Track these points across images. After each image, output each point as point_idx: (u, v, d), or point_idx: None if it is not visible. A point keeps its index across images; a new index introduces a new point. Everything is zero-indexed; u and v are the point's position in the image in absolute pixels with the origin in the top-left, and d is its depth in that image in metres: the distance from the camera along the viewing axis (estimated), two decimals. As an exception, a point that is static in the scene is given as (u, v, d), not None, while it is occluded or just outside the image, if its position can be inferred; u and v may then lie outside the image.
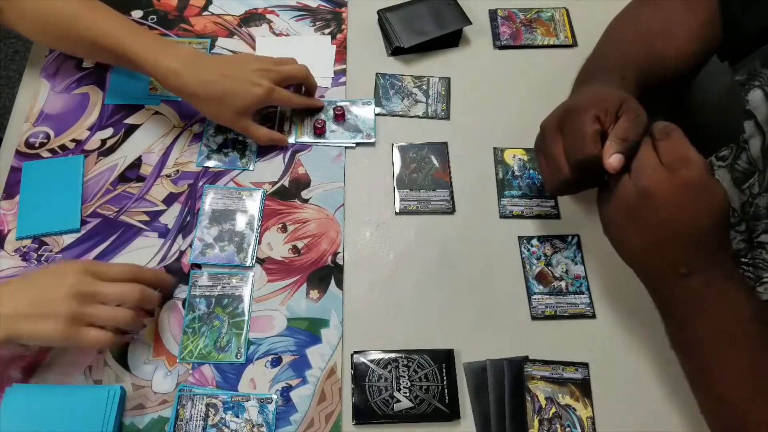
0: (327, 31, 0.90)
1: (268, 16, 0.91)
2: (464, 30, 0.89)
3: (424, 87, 0.86)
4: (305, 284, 0.71)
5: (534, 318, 0.70)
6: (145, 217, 0.74)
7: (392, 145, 0.81)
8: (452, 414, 0.64)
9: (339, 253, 0.73)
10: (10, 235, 0.72)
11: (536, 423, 0.64)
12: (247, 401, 0.64)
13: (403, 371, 0.66)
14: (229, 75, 0.73)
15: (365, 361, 0.66)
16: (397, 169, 0.79)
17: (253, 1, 0.92)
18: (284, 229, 0.74)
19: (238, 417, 0.63)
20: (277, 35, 0.89)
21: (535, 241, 0.74)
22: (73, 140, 0.79)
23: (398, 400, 0.64)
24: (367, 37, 0.90)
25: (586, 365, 0.67)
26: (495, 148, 0.81)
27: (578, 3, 0.93)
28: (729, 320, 0.55)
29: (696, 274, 0.55)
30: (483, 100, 0.85)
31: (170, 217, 0.74)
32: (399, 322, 0.69)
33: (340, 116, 0.81)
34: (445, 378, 0.65)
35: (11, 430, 0.59)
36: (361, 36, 0.90)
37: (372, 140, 0.81)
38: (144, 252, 0.72)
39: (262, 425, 0.62)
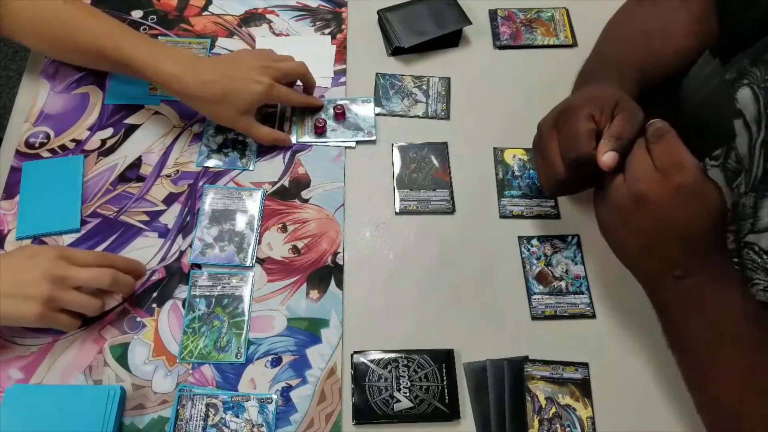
0: (327, 31, 0.90)
1: (268, 16, 0.91)
2: (464, 30, 0.89)
3: (424, 87, 0.86)
4: (305, 284, 0.71)
5: (534, 318, 0.70)
6: (145, 217, 0.74)
7: (392, 145, 0.81)
8: (452, 414, 0.64)
9: (339, 253, 0.73)
10: (10, 235, 0.72)
11: (536, 423, 0.64)
12: (247, 401, 0.64)
13: (403, 371, 0.66)
14: (228, 75, 0.73)
15: (365, 361, 0.66)
16: (397, 169, 0.79)
17: (253, 1, 0.92)
18: (284, 229, 0.74)
19: (238, 417, 0.63)
20: (277, 35, 0.89)
21: (535, 241, 0.74)
22: (73, 140, 0.79)
23: (398, 400, 0.64)
24: (367, 37, 0.90)
25: (586, 365, 0.67)
26: (495, 148, 0.81)
27: (578, 3, 0.93)
28: (725, 321, 0.55)
29: (692, 276, 0.55)
30: (483, 100, 0.85)
31: (170, 217, 0.74)
32: (399, 322, 0.69)
33: (340, 115, 0.81)
34: (445, 378, 0.65)
35: (11, 430, 0.59)
36: (361, 36, 0.90)
37: (373, 138, 0.81)
38: (144, 252, 0.72)
39: (262, 425, 0.62)
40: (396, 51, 0.87)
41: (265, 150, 0.79)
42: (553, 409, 0.64)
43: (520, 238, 0.74)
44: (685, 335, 0.57)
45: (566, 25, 0.91)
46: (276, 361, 0.66)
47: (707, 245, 0.55)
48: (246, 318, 0.68)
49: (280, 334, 0.68)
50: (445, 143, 0.81)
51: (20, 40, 0.76)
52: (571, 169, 0.61)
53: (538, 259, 0.73)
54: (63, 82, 0.83)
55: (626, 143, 0.57)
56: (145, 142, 0.79)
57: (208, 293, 0.69)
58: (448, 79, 0.86)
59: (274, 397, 0.64)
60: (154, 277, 0.70)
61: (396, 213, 0.76)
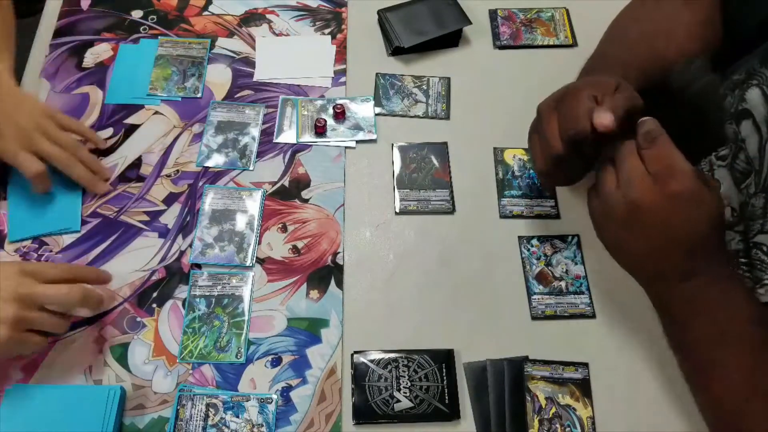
0: (327, 31, 0.90)
1: (268, 16, 0.91)
2: (464, 30, 0.89)
3: (424, 87, 0.86)
4: (305, 284, 0.71)
5: (534, 318, 0.70)
6: (145, 217, 0.74)
7: (392, 145, 0.81)
8: (452, 414, 0.64)
9: (339, 253, 0.73)
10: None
11: (536, 423, 0.64)
12: (247, 401, 0.64)
13: (403, 371, 0.66)
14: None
15: (365, 361, 0.66)
16: (397, 169, 0.79)
17: (253, 1, 0.92)
18: (284, 229, 0.74)
19: (238, 417, 0.63)
20: (277, 35, 0.89)
21: (535, 241, 0.74)
22: (73, 140, 0.79)
23: (398, 400, 0.64)
24: (367, 37, 0.90)
25: (586, 365, 0.67)
26: (495, 148, 0.81)
27: (578, 3, 0.93)
28: (727, 322, 0.55)
29: (693, 278, 0.55)
30: (483, 100, 0.85)
31: (170, 217, 0.74)
32: (399, 322, 0.69)
33: (340, 114, 0.81)
34: (445, 378, 0.65)
35: (11, 430, 0.59)
36: (361, 36, 0.90)
37: (374, 137, 0.81)
38: (144, 252, 0.72)
39: (262, 425, 0.62)
40: (396, 51, 0.87)
41: (265, 150, 0.79)
42: (553, 409, 0.64)
43: (520, 238, 0.74)
44: (687, 336, 0.57)
45: (566, 25, 0.91)
46: (276, 361, 0.66)
47: (708, 248, 0.55)
48: (246, 318, 0.68)
49: (280, 334, 0.68)
50: (445, 143, 0.81)
51: None
52: (567, 146, 0.60)
53: (538, 259, 0.73)
54: (63, 82, 0.83)
55: (623, 113, 0.56)
56: (145, 142, 0.79)
57: (208, 293, 0.69)
58: (448, 79, 0.86)
59: (274, 397, 0.64)
60: (154, 277, 0.70)
61: (396, 213, 0.76)
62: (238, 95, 0.84)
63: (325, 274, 0.71)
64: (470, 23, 0.88)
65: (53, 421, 0.60)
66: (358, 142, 0.81)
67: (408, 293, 0.71)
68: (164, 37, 0.88)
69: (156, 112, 0.82)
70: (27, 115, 0.70)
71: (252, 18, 0.91)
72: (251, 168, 0.78)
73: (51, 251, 0.71)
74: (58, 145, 0.71)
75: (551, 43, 0.90)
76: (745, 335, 0.54)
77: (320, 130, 0.80)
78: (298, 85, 0.85)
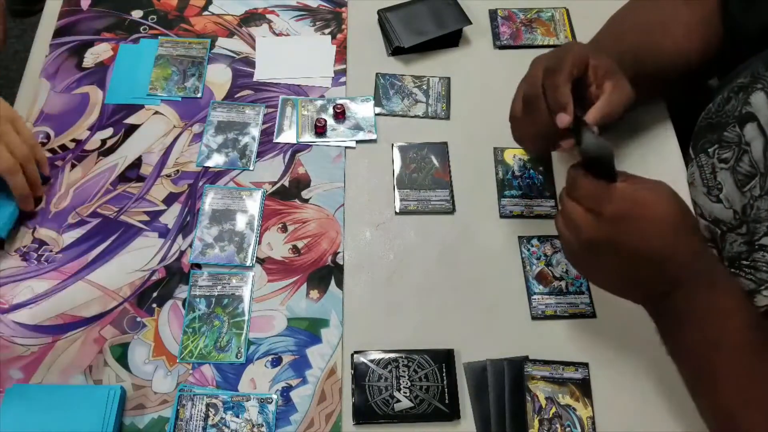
0: (327, 31, 0.90)
1: (268, 16, 0.91)
2: (464, 30, 0.89)
3: (424, 87, 0.86)
4: (305, 284, 0.71)
5: (534, 318, 0.70)
6: (145, 217, 0.74)
7: (392, 145, 0.81)
8: (452, 414, 0.64)
9: (339, 253, 0.73)
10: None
11: (536, 423, 0.64)
12: (247, 401, 0.64)
13: (403, 371, 0.66)
14: None
15: (365, 361, 0.66)
16: (397, 169, 0.79)
17: (253, 1, 0.92)
18: (284, 229, 0.74)
19: (238, 417, 0.63)
20: (277, 35, 0.89)
21: (535, 241, 0.74)
22: (73, 140, 0.79)
23: (398, 400, 0.64)
24: (367, 37, 0.90)
25: (586, 365, 0.67)
26: (495, 148, 0.81)
27: (578, 3, 0.93)
28: (717, 330, 0.55)
29: (676, 289, 0.55)
30: (483, 100, 0.85)
31: (170, 217, 0.74)
32: (399, 322, 0.69)
33: (340, 114, 0.81)
34: (445, 378, 0.65)
35: (11, 430, 0.59)
36: (361, 36, 0.90)
37: (374, 137, 0.81)
38: (144, 252, 0.72)
39: (262, 425, 0.62)
40: (396, 51, 0.87)
41: (265, 150, 0.79)
42: (553, 409, 0.64)
43: (520, 238, 0.74)
44: (680, 344, 0.58)
45: (566, 25, 0.91)
46: (276, 361, 0.66)
47: (680, 255, 0.54)
48: (246, 318, 0.68)
49: (280, 334, 0.68)
50: (445, 143, 0.81)
51: None
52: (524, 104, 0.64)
53: (538, 259, 0.73)
54: (63, 82, 0.83)
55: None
56: (145, 142, 0.79)
57: (208, 293, 0.69)
58: (448, 79, 0.86)
59: (274, 397, 0.64)
60: (154, 277, 0.70)
61: (396, 213, 0.76)
62: (238, 95, 0.84)
63: (325, 274, 0.71)
64: (470, 23, 0.88)
65: (53, 421, 0.60)
66: (358, 142, 0.81)
67: (408, 293, 0.71)
68: (164, 37, 0.88)
69: (156, 112, 0.82)
70: None
71: (252, 18, 0.91)
72: (251, 168, 0.78)
73: (51, 251, 0.71)
74: (9, 149, 0.69)
75: (551, 43, 0.90)
76: (737, 343, 0.54)
77: (320, 130, 0.80)
78: (298, 85, 0.85)
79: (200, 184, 0.77)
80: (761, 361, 0.54)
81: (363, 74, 0.86)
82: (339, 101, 0.83)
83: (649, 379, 0.67)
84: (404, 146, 0.81)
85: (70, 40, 0.87)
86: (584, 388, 0.66)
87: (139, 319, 0.68)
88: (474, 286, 0.72)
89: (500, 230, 0.75)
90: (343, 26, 0.90)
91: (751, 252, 0.64)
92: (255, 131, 0.81)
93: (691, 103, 0.76)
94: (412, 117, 0.83)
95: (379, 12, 0.89)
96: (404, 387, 0.65)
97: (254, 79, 0.85)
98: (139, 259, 0.71)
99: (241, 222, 0.74)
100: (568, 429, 0.64)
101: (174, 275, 0.71)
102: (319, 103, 0.83)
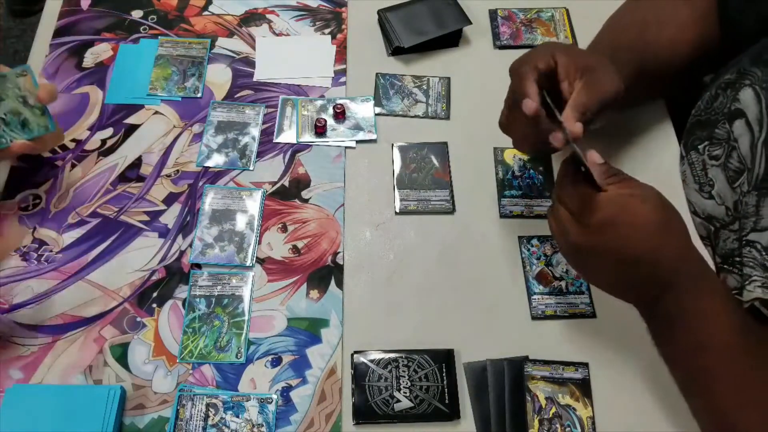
0: (327, 31, 0.90)
1: (268, 16, 0.91)
2: (464, 30, 0.89)
3: (424, 87, 0.86)
4: (305, 284, 0.71)
5: (534, 318, 0.70)
6: (145, 217, 0.74)
7: (392, 145, 0.81)
8: (452, 414, 0.64)
9: (339, 253, 0.73)
10: (10, 235, 0.72)
11: (536, 423, 0.64)
12: (247, 401, 0.64)
13: (403, 371, 0.66)
14: None
15: (365, 361, 0.66)
16: (397, 169, 0.79)
17: (253, 1, 0.92)
18: (284, 229, 0.74)
19: (238, 417, 0.63)
20: (277, 35, 0.89)
21: (535, 241, 0.74)
22: (73, 140, 0.79)
23: (398, 400, 0.64)
24: (367, 37, 0.90)
25: (586, 365, 0.67)
26: (495, 148, 0.81)
27: (578, 3, 0.93)
28: (705, 332, 0.55)
29: (665, 293, 0.55)
30: (483, 100, 0.85)
31: (170, 217, 0.74)
32: (399, 322, 0.69)
33: (340, 114, 0.81)
34: (445, 378, 0.65)
35: (11, 430, 0.59)
36: (361, 36, 0.90)
37: (374, 137, 0.81)
38: (144, 252, 0.72)
39: (262, 425, 0.62)
40: (396, 51, 0.87)
41: (265, 150, 0.79)
42: (553, 409, 0.64)
43: (520, 238, 0.74)
44: (671, 347, 0.58)
45: (566, 25, 0.91)
46: (276, 361, 0.66)
47: (670, 261, 0.55)
48: (246, 318, 0.68)
49: (280, 334, 0.68)
50: (445, 143, 0.81)
51: None
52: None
53: (538, 259, 0.73)
54: (63, 82, 0.83)
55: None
56: (145, 142, 0.79)
57: (208, 293, 0.69)
58: (448, 79, 0.86)
59: (274, 397, 0.64)
60: (154, 277, 0.70)
61: (396, 213, 0.76)
62: (238, 95, 0.84)
63: (325, 274, 0.71)
64: (470, 23, 0.88)
65: (53, 421, 0.60)
66: (358, 142, 0.81)
67: (408, 293, 0.71)
68: (164, 37, 0.88)
69: (156, 112, 0.82)
70: None
71: (252, 18, 0.91)
72: (251, 168, 0.78)
73: (51, 251, 0.71)
74: None
75: (551, 43, 0.90)
76: (725, 345, 0.54)
77: (320, 130, 0.80)
78: (298, 85, 0.85)
79: (200, 184, 0.77)
80: (753, 361, 0.54)
81: (363, 74, 0.86)
82: (339, 101, 0.83)
83: (649, 379, 0.67)
84: (404, 146, 0.81)
85: (70, 40, 0.87)
86: (584, 388, 0.66)
87: (139, 319, 0.68)
88: (474, 286, 0.72)
89: (500, 230, 0.75)
90: (343, 26, 0.90)
91: (740, 247, 0.64)
92: (255, 131, 0.81)
93: (689, 101, 0.76)
94: (412, 117, 0.83)
95: (379, 12, 0.89)
96: (404, 387, 0.65)
97: (254, 79, 0.85)
98: (139, 259, 0.71)
99: (241, 222, 0.74)
100: (568, 429, 0.64)
101: (174, 275, 0.71)
102: (319, 103, 0.83)
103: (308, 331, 0.68)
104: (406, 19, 0.88)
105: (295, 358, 0.66)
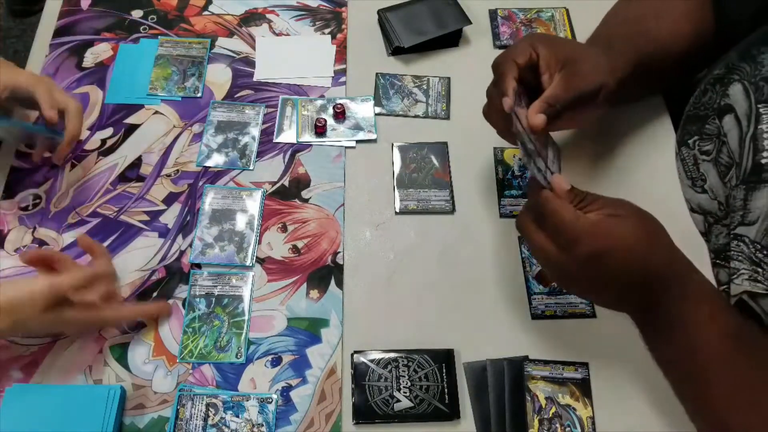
0: (327, 30, 0.90)
1: (268, 15, 0.91)
2: (464, 30, 0.89)
3: (424, 87, 0.86)
4: (305, 284, 0.71)
5: (534, 318, 0.70)
6: (145, 217, 0.74)
7: (392, 144, 0.81)
8: (452, 414, 0.64)
9: (339, 252, 0.73)
10: (10, 235, 0.72)
11: (536, 423, 0.64)
12: (247, 401, 0.64)
13: (403, 371, 0.66)
14: None
15: (365, 360, 0.66)
16: (397, 168, 0.79)
17: (253, 0, 0.92)
18: (284, 228, 0.74)
19: (238, 417, 0.63)
20: (277, 35, 0.89)
21: (535, 241, 0.74)
22: (73, 140, 0.79)
23: (398, 400, 0.64)
24: (367, 37, 0.90)
25: (586, 365, 0.67)
26: (495, 148, 0.81)
27: (578, 3, 0.93)
28: (695, 339, 0.55)
29: (655, 303, 0.55)
30: (483, 100, 0.84)
31: (170, 217, 0.74)
32: (399, 322, 0.69)
33: (340, 114, 0.81)
34: (445, 378, 0.65)
35: (11, 430, 0.59)
36: (361, 36, 0.90)
37: (374, 136, 0.81)
38: (144, 252, 0.72)
39: (262, 425, 0.62)
40: (396, 51, 0.87)
41: (265, 150, 0.79)
42: (553, 409, 0.64)
43: (520, 238, 0.74)
44: (662, 354, 0.58)
45: (566, 25, 0.92)
46: (276, 361, 0.66)
47: (652, 273, 0.55)
48: (246, 318, 0.68)
49: (280, 334, 0.68)
50: (445, 143, 0.81)
51: None
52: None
53: (538, 259, 0.73)
54: (63, 81, 0.83)
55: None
56: (145, 141, 0.79)
57: (208, 293, 0.69)
58: (448, 79, 0.86)
59: (274, 396, 0.64)
60: (154, 277, 0.70)
61: (396, 213, 0.76)
62: (238, 95, 0.84)
63: (325, 274, 0.71)
64: (470, 23, 0.88)
65: (53, 421, 0.60)
66: (358, 142, 0.81)
67: (408, 293, 0.71)
68: (164, 36, 0.88)
69: (156, 112, 0.82)
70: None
71: (252, 18, 0.91)
72: (251, 168, 0.78)
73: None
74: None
75: (551, 43, 0.90)
76: (716, 350, 0.54)
77: (320, 130, 0.80)
78: (298, 85, 0.85)
79: (200, 183, 0.77)
80: (745, 362, 0.54)
81: (363, 74, 0.86)
82: (339, 101, 0.83)
83: (649, 379, 0.67)
84: (404, 146, 0.81)
85: (70, 40, 0.87)
86: (584, 388, 0.66)
87: (139, 318, 0.68)
88: (474, 286, 0.72)
89: (500, 230, 0.75)
90: (343, 26, 0.90)
91: (729, 242, 0.64)
92: (255, 131, 0.81)
93: (687, 97, 0.76)
94: (412, 117, 0.83)
95: (379, 12, 0.89)
96: (404, 387, 0.65)
97: (254, 79, 0.85)
98: (139, 258, 0.71)
99: (241, 222, 0.74)
100: (568, 429, 0.64)
101: (174, 275, 0.71)
102: (319, 102, 0.83)
103: (308, 330, 0.68)
104: (406, 19, 0.88)
105: (295, 358, 0.66)
